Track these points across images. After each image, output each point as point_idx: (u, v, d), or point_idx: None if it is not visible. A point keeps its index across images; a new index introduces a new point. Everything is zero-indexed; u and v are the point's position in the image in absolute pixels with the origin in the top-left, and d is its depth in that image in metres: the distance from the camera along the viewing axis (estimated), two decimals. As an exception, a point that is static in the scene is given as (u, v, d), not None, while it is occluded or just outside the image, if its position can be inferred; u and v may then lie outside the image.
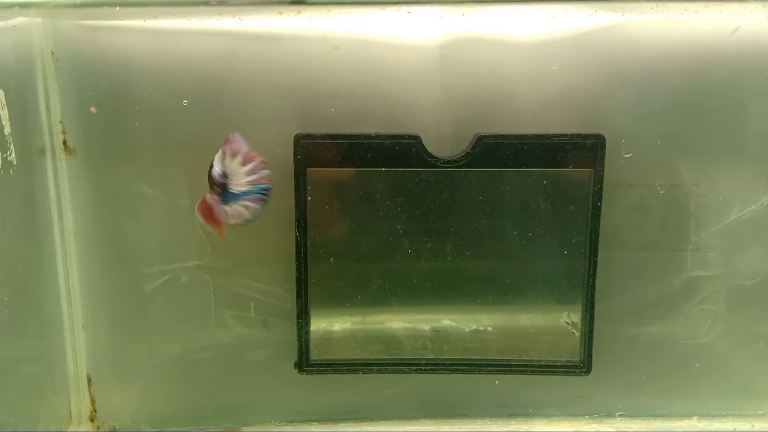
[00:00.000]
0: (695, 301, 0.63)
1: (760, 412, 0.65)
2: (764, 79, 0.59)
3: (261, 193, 0.56)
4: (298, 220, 0.60)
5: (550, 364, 0.65)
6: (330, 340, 0.65)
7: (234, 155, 0.56)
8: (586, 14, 0.58)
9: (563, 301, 0.64)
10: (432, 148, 0.60)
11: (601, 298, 0.62)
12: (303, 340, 0.63)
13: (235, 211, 0.56)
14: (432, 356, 0.66)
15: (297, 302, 0.62)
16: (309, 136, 0.59)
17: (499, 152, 0.60)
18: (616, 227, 0.61)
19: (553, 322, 0.65)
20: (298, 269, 0.62)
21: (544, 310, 0.65)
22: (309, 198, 0.60)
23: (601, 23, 0.58)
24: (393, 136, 0.60)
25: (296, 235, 0.60)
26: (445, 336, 0.66)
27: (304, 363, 0.64)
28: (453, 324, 0.66)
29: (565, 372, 0.65)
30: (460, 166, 0.61)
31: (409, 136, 0.60)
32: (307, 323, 0.63)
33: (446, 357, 0.66)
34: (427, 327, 0.66)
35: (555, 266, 0.63)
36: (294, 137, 0.59)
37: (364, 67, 0.60)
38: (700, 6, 0.57)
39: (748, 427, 0.64)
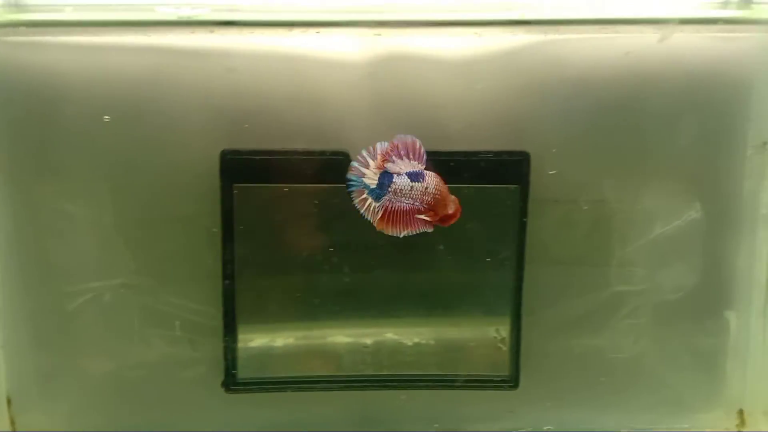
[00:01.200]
0: (621, 316, 0.64)
1: (685, 426, 0.66)
2: (684, 100, 0.60)
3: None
4: (224, 237, 0.60)
5: (481, 378, 0.65)
6: (260, 357, 0.64)
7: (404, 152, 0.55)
8: (510, 34, 0.60)
9: (492, 316, 0.64)
10: (363, 165, 0.62)
11: (528, 312, 0.63)
12: (230, 358, 0.62)
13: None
14: (366, 372, 0.65)
15: (223, 320, 0.61)
16: (235, 152, 0.59)
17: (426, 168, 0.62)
18: (543, 242, 0.62)
19: (483, 336, 0.65)
20: (224, 286, 0.61)
21: (474, 324, 0.65)
22: (236, 214, 0.60)
23: (524, 42, 0.59)
24: (321, 153, 0.60)
25: (222, 252, 0.60)
26: (383, 351, 0.66)
27: (231, 382, 0.63)
28: (390, 338, 0.66)
29: (494, 387, 0.65)
30: (389, 182, 0.62)
31: (338, 153, 0.60)
32: (234, 341, 0.62)
33: (381, 373, 0.65)
34: (367, 341, 0.66)
35: (485, 281, 0.63)
36: (220, 153, 0.59)
37: (293, 83, 0.59)
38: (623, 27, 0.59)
39: (675, 440, 0.66)
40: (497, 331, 0.65)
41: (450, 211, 0.56)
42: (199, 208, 0.59)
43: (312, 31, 0.57)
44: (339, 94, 0.60)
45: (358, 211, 0.60)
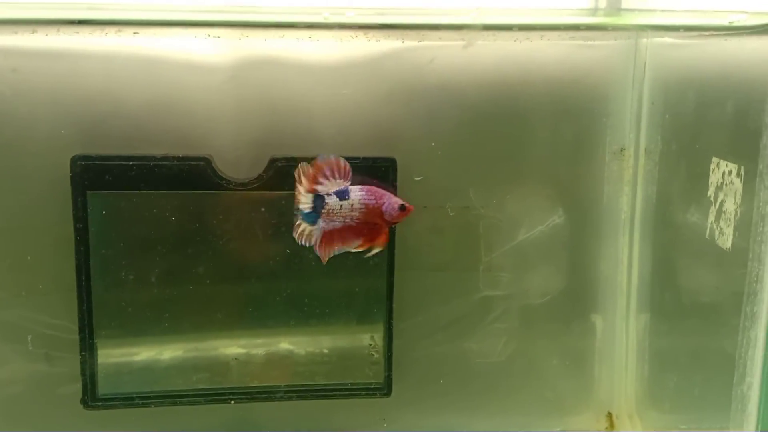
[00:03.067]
0: (488, 320, 0.64)
1: (557, 429, 0.67)
2: (545, 107, 0.61)
3: None
4: (78, 247, 0.57)
5: (355, 387, 0.64)
6: (122, 371, 0.61)
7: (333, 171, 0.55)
8: (372, 40, 0.59)
9: (366, 323, 0.64)
10: (229, 171, 0.59)
11: (400, 319, 0.62)
12: (88, 373, 0.60)
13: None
14: (234, 384, 0.64)
15: (79, 334, 0.59)
16: (87, 158, 0.56)
17: (292, 174, 0.60)
18: (412, 248, 0.62)
19: (358, 344, 0.65)
20: (79, 298, 0.58)
21: (349, 332, 0.64)
22: (90, 223, 0.57)
23: (387, 48, 0.59)
24: (181, 158, 0.58)
25: (76, 262, 0.58)
26: (253, 362, 0.64)
27: (90, 398, 0.60)
28: (246, 351, 0.64)
29: (367, 394, 0.64)
30: (253, 189, 0.60)
31: (198, 158, 0.58)
32: (93, 355, 0.59)
33: (249, 385, 0.63)
34: (239, 351, 0.64)
35: (356, 288, 0.62)
36: (71, 159, 0.56)
37: (150, 86, 0.57)
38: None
39: (546, 443, 0.67)
40: (372, 338, 0.65)
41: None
42: (50, 216, 0.57)
43: (158, 31, 0.55)
44: (201, 98, 0.58)
45: (224, 218, 0.60)
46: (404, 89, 0.60)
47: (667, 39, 0.59)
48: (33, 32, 0.54)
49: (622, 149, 0.62)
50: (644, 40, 0.61)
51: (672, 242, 0.59)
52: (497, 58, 0.60)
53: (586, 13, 0.63)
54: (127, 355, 0.61)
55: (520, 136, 0.62)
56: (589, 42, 0.61)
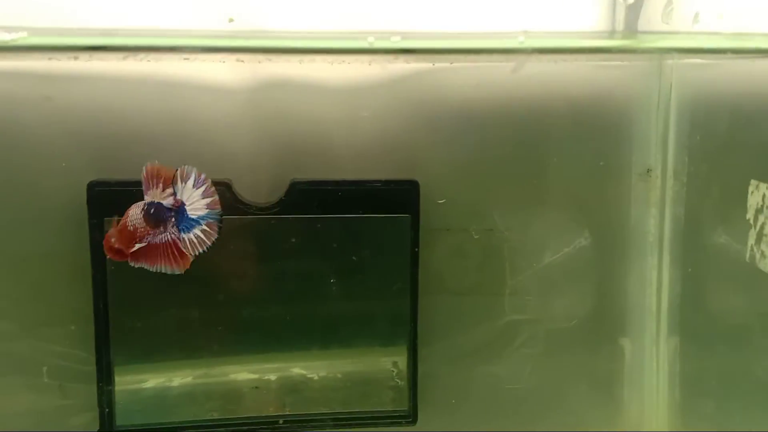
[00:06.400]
0: (515, 345, 0.63)
1: (585, 452, 0.66)
2: (570, 129, 0.61)
3: (216, 217, 0.52)
4: (94, 274, 0.56)
5: (380, 415, 0.62)
6: (140, 401, 0.60)
7: (185, 179, 0.52)
8: (393, 62, 0.58)
9: (389, 349, 0.62)
10: (248, 195, 0.58)
11: (424, 344, 0.61)
12: (105, 404, 0.58)
13: (198, 238, 0.52)
14: (262, 414, 0.62)
15: (97, 365, 0.57)
16: (104, 183, 0.55)
17: (314, 198, 0.58)
18: (436, 272, 0.61)
19: (381, 369, 0.63)
20: (97, 327, 0.56)
21: (372, 358, 0.63)
22: (107, 249, 0.57)
23: (409, 70, 0.58)
24: (200, 183, 0.58)
25: (93, 290, 0.56)
26: (280, 388, 0.62)
27: (108, 429, 0.58)
28: (290, 374, 0.63)
29: (392, 423, 0.62)
30: (274, 213, 0.58)
31: (219, 182, 0.57)
32: (111, 386, 0.58)
33: (276, 414, 0.62)
34: (271, 377, 0.62)
35: (379, 313, 0.61)
36: (87, 185, 0.55)
37: (168, 110, 0.57)
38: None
39: (577, 468, 0.65)
40: (395, 364, 0.63)
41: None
42: (65, 243, 0.56)
43: (187, 57, 0.55)
44: (220, 122, 0.58)
45: (246, 243, 0.59)
46: (427, 111, 0.59)
47: (694, 60, 0.58)
48: (49, 59, 0.54)
49: (648, 170, 0.61)
50: (669, 61, 0.60)
51: (703, 264, 0.58)
52: (520, 79, 0.60)
53: (604, 36, 0.63)
54: (145, 385, 0.59)
55: (544, 158, 0.61)
56: (612, 63, 0.61)
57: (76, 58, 0.54)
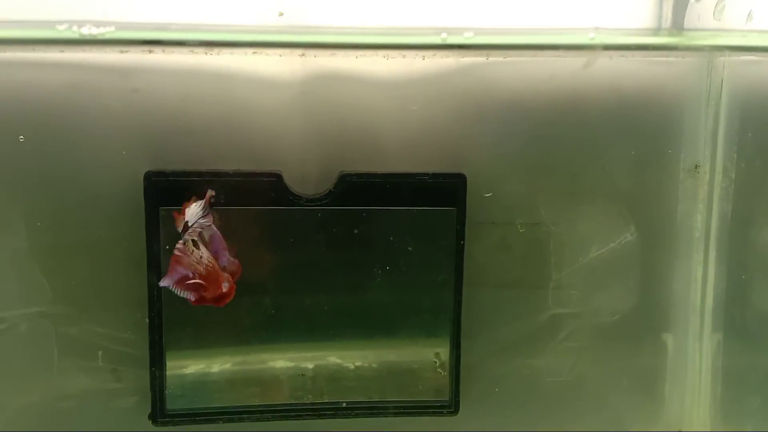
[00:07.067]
0: (558, 339, 0.63)
1: (626, 449, 0.67)
2: (618, 124, 0.61)
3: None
4: (150, 262, 0.57)
5: (421, 404, 0.64)
6: (191, 386, 0.61)
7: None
8: (443, 57, 0.59)
9: (432, 339, 0.63)
10: (296, 186, 0.59)
11: (467, 336, 0.62)
12: (157, 388, 0.59)
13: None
14: (305, 400, 0.63)
15: (150, 350, 0.58)
16: (160, 174, 0.56)
17: (362, 190, 0.59)
18: (480, 265, 0.61)
19: (423, 360, 0.64)
20: (150, 313, 0.58)
21: (414, 348, 0.64)
22: (162, 238, 0.57)
23: (459, 65, 0.58)
24: (252, 174, 0.58)
25: (148, 277, 0.57)
26: (323, 376, 0.63)
27: (159, 414, 0.60)
28: (332, 363, 0.63)
29: (434, 412, 0.63)
30: (323, 205, 0.59)
31: (269, 174, 0.58)
32: (162, 370, 0.59)
33: (321, 401, 0.63)
34: (308, 366, 0.63)
35: (424, 304, 0.62)
36: (144, 175, 0.56)
37: (221, 102, 0.57)
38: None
39: (616, 463, 0.66)
40: (437, 355, 0.64)
41: (224, 290, 0.56)
42: (120, 231, 0.57)
43: (242, 51, 0.56)
44: (271, 114, 0.58)
45: (295, 234, 0.60)
46: (475, 105, 0.59)
47: (747, 56, 0.58)
48: (107, 51, 0.54)
49: (696, 166, 0.61)
50: (721, 57, 0.60)
51: (750, 261, 0.58)
52: (569, 73, 0.60)
53: (656, 33, 0.62)
54: (197, 371, 0.61)
55: (591, 153, 0.61)
56: (662, 59, 0.61)
57: (150, 51, 0.55)
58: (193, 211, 0.56)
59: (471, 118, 0.60)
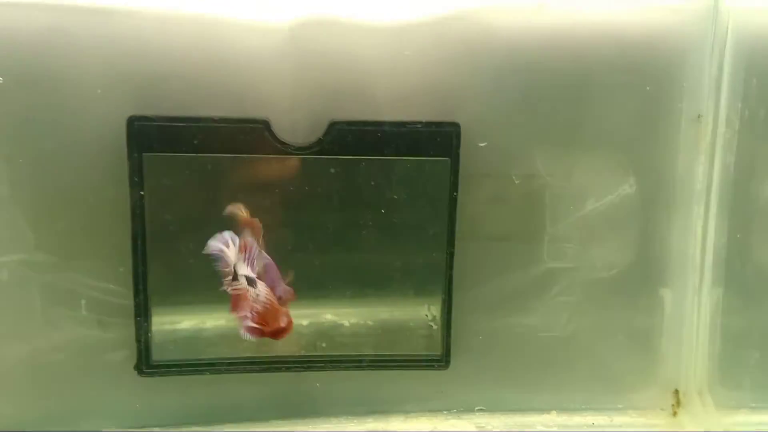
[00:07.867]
0: (553, 293, 0.62)
1: (620, 406, 0.65)
2: (618, 72, 0.58)
3: None
4: (133, 210, 0.56)
5: (412, 358, 0.63)
6: (176, 338, 0.60)
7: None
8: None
9: (423, 294, 0.62)
10: (285, 135, 0.57)
11: (459, 290, 0.60)
12: (143, 339, 0.58)
13: None
14: (295, 354, 0.63)
15: (135, 299, 0.57)
16: (144, 119, 0.55)
17: (352, 139, 0.57)
18: (473, 218, 0.60)
19: (414, 315, 0.63)
20: (134, 263, 0.57)
21: (406, 303, 0.63)
22: (145, 186, 0.55)
23: (453, 10, 0.56)
24: (238, 120, 0.56)
25: (132, 226, 0.56)
26: (312, 332, 0.63)
27: (144, 364, 0.59)
28: (324, 319, 0.63)
29: (425, 366, 0.62)
30: (312, 153, 0.58)
31: (256, 120, 0.56)
32: (147, 321, 0.58)
33: (309, 354, 0.62)
34: (303, 322, 0.62)
35: (414, 258, 0.61)
36: (127, 120, 0.54)
37: (207, 47, 0.55)
38: None
39: (607, 421, 0.64)
40: (429, 309, 0.63)
41: (282, 324, 0.55)
42: (103, 178, 0.55)
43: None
44: (258, 60, 0.56)
45: (282, 183, 0.58)
46: (470, 52, 0.57)
47: (754, 3, 0.55)
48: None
49: (699, 116, 0.59)
50: (726, 3, 0.57)
51: (752, 215, 0.56)
52: (567, 19, 0.57)
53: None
54: (182, 322, 0.60)
55: (590, 101, 0.59)
56: (664, 4, 0.58)
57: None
58: (232, 252, 0.55)
59: (466, 67, 0.57)
